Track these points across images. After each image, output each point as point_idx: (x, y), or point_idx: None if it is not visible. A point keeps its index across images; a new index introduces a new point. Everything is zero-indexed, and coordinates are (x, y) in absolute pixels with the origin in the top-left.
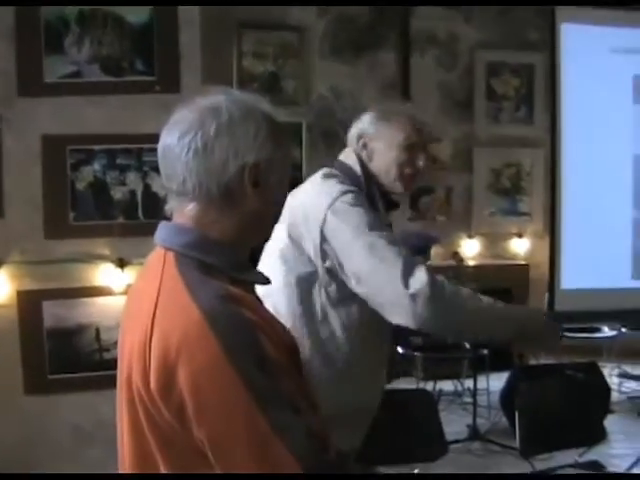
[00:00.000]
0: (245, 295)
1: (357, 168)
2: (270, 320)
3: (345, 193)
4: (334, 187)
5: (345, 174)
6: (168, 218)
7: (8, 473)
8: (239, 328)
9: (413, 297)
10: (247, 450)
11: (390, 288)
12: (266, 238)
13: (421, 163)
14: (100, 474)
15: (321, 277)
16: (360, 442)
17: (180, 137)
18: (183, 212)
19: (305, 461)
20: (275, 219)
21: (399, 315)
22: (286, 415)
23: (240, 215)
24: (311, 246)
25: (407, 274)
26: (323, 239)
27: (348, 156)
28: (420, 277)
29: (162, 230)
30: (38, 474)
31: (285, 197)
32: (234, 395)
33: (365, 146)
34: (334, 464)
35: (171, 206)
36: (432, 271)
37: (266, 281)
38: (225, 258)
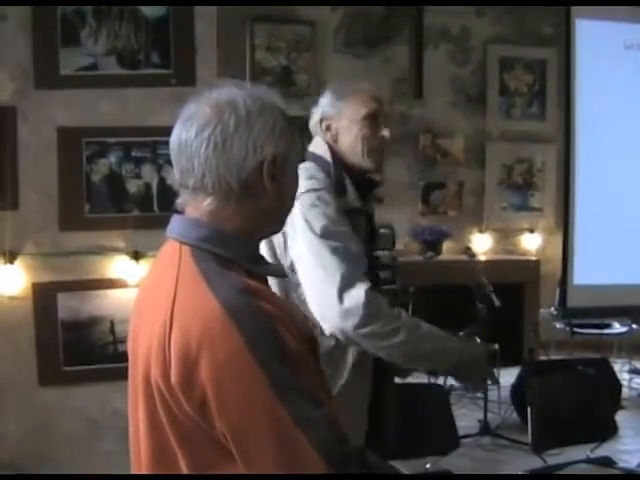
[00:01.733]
0: (262, 287)
1: (327, 155)
2: (289, 312)
3: (305, 192)
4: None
5: (317, 164)
6: (179, 211)
7: (8, 474)
8: (260, 321)
9: (344, 313)
10: (269, 442)
11: (324, 298)
12: (276, 231)
13: (385, 134)
14: (100, 474)
15: (291, 278)
16: None
17: (198, 132)
18: (199, 206)
19: (327, 453)
20: (288, 213)
21: (329, 327)
22: (308, 407)
23: (258, 209)
24: (277, 246)
25: (344, 288)
26: (285, 241)
27: (317, 145)
28: (357, 295)
29: (176, 223)
30: (38, 474)
31: (297, 190)
32: (257, 388)
33: (329, 128)
34: (355, 456)
35: (183, 200)
36: (373, 292)
37: (282, 274)
38: (241, 251)
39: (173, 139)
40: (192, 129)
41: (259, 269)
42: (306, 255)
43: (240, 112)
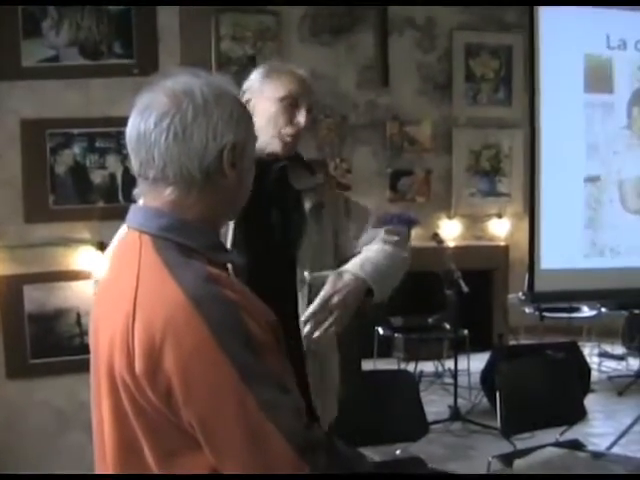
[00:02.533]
0: (225, 275)
1: None
2: (252, 299)
3: None
4: None
5: None
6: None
7: (8, 474)
8: (224, 309)
9: None
10: (237, 430)
11: None
12: (231, 218)
13: (301, 120)
14: (100, 475)
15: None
16: None
17: (157, 122)
18: (159, 196)
19: (294, 439)
20: (244, 200)
21: None
22: (274, 394)
23: (219, 197)
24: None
25: None
26: None
27: None
28: None
29: (136, 213)
30: (38, 474)
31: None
32: (223, 376)
33: (247, 102)
34: (322, 442)
35: (142, 190)
36: None
37: (240, 261)
38: (203, 240)
39: (130, 130)
40: (150, 119)
41: (220, 257)
42: None
43: (197, 101)
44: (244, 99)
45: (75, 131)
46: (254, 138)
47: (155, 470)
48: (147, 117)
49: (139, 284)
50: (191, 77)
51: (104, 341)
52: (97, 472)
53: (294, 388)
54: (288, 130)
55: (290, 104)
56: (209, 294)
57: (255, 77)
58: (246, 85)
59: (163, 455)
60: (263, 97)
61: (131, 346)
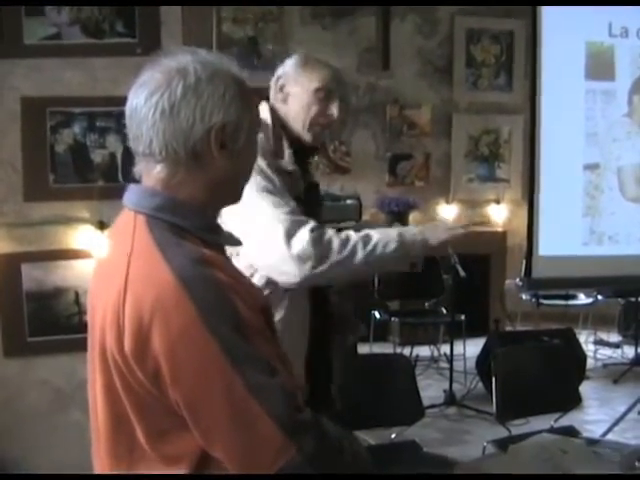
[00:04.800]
0: (217, 257)
1: (267, 117)
2: (243, 281)
3: None
4: None
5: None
6: (138, 180)
7: (8, 474)
8: (213, 291)
9: (297, 260)
10: (223, 411)
11: (273, 249)
12: (235, 201)
13: (334, 112)
14: (100, 475)
15: None
16: None
17: (147, 98)
18: (151, 174)
19: (282, 421)
20: (245, 184)
21: (286, 276)
22: (262, 376)
23: (209, 178)
24: None
25: (290, 235)
26: None
27: (261, 110)
28: (302, 237)
29: (131, 193)
30: (38, 474)
31: (254, 163)
32: (210, 357)
33: (282, 88)
34: (310, 424)
35: (140, 168)
36: (320, 228)
37: (237, 242)
38: (196, 221)
39: (127, 105)
40: (142, 95)
41: (214, 238)
42: (248, 214)
43: (189, 79)
44: (277, 85)
45: (76, 110)
46: (252, 120)
47: (146, 449)
48: (140, 93)
49: (131, 263)
50: (188, 55)
51: (98, 318)
52: (93, 450)
53: (283, 370)
54: (320, 121)
55: (324, 97)
56: (199, 275)
57: (291, 63)
58: (281, 71)
59: (153, 434)
60: (299, 85)
61: (121, 324)
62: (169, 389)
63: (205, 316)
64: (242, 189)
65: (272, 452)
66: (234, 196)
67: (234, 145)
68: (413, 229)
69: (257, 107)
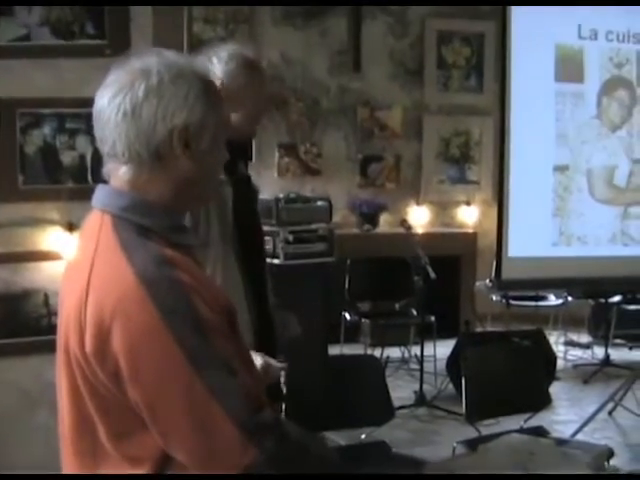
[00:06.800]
0: (181, 258)
1: None
2: (206, 282)
3: None
4: None
5: None
6: (107, 181)
7: (9, 474)
8: (174, 291)
9: None
10: (183, 411)
11: None
12: (204, 203)
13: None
14: (101, 474)
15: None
16: None
17: (110, 99)
18: (117, 175)
19: (241, 422)
20: (213, 185)
21: None
22: (222, 376)
23: (174, 178)
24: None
25: None
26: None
27: None
28: None
29: (99, 193)
30: (39, 474)
31: (222, 162)
32: (170, 357)
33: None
34: (271, 425)
35: (107, 169)
36: None
37: (202, 243)
38: (161, 221)
39: (94, 107)
40: (106, 97)
41: (179, 238)
42: None
43: (151, 80)
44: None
45: (45, 111)
46: (218, 121)
47: (109, 449)
48: (104, 94)
49: (94, 263)
50: (154, 56)
51: (63, 319)
52: (62, 451)
53: (244, 371)
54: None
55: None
56: (160, 276)
57: (216, 63)
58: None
59: (115, 434)
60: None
61: (83, 324)
62: (128, 389)
63: (166, 316)
64: (209, 190)
65: (232, 453)
66: (201, 197)
67: (198, 146)
68: None
69: (224, 108)
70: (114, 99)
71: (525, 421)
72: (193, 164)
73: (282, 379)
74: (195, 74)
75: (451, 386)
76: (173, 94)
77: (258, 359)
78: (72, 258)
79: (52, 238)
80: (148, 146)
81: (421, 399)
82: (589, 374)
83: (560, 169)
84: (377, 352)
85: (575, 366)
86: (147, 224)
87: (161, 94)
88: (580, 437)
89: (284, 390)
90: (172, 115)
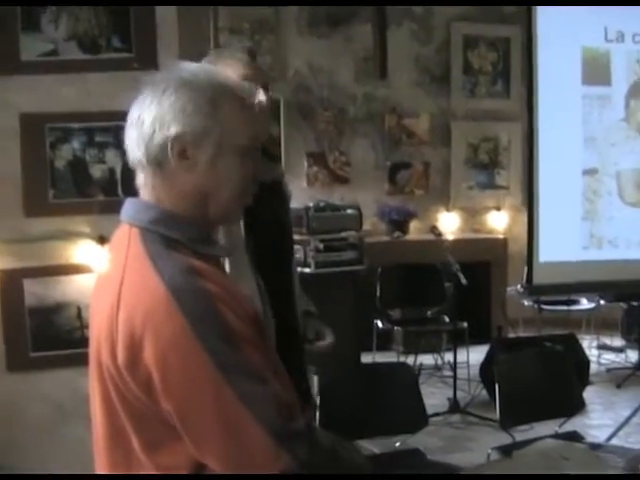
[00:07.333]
0: (208, 268)
1: None
2: (234, 292)
3: None
4: None
5: None
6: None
7: (9, 474)
8: (203, 301)
9: None
10: (214, 421)
11: None
12: (230, 217)
13: (262, 98)
14: (101, 475)
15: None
16: None
17: (130, 111)
18: (139, 184)
19: (273, 429)
20: (234, 198)
21: None
22: (252, 385)
23: (181, 189)
24: None
25: None
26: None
27: None
28: None
29: (127, 207)
30: (39, 474)
31: (247, 177)
32: (200, 367)
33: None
34: (302, 433)
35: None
36: None
37: (228, 254)
38: (188, 233)
39: None
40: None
41: (206, 249)
42: None
43: (157, 89)
44: None
45: (74, 125)
46: (226, 132)
47: (142, 459)
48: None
49: (124, 276)
50: (169, 67)
51: (95, 331)
52: (95, 463)
53: (274, 379)
54: None
55: None
56: (188, 286)
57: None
58: None
59: (148, 445)
60: None
61: (115, 336)
62: (161, 399)
63: (194, 326)
64: (230, 204)
65: (264, 461)
66: (222, 210)
67: (198, 157)
68: None
69: (249, 120)
70: (132, 110)
71: (559, 426)
72: (193, 176)
73: (315, 388)
74: (205, 84)
75: (484, 392)
76: (171, 103)
77: None
78: (102, 271)
79: (83, 251)
80: (147, 154)
81: (455, 406)
82: (623, 378)
83: (589, 172)
84: (410, 359)
85: (608, 370)
86: (174, 236)
87: (161, 103)
88: (614, 441)
89: (317, 398)
90: (169, 124)
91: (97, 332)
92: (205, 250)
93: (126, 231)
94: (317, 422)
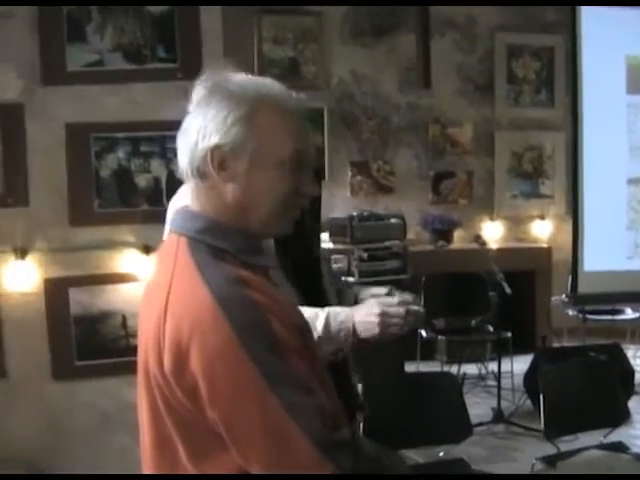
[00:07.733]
0: (255, 278)
1: None
2: (280, 302)
3: None
4: None
5: None
6: None
7: (10, 474)
8: (249, 311)
9: None
10: (259, 430)
11: None
12: (273, 230)
13: None
14: (102, 475)
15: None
16: None
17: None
18: (189, 194)
19: (318, 439)
20: (275, 211)
21: None
22: (298, 395)
23: (222, 200)
24: None
25: None
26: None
27: None
28: None
29: (176, 216)
30: (39, 474)
31: (290, 192)
32: (246, 377)
33: None
34: (347, 442)
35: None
36: None
37: (274, 264)
38: (235, 243)
39: None
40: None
41: (253, 259)
42: None
43: (201, 100)
44: None
45: (119, 135)
46: (257, 143)
47: (188, 468)
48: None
49: (172, 284)
50: (216, 77)
51: (142, 339)
52: (142, 471)
53: (320, 389)
54: None
55: None
56: (235, 295)
57: None
58: None
59: (195, 453)
60: None
61: (162, 344)
62: (206, 407)
63: (241, 336)
64: (271, 217)
65: (308, 470)
66: (263, 225)
67: (235, 168)
68: (342, 314)
69: (285, 134)
70: (182, 122)
71: (604, 437)
72: (233, 186)
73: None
74: (246, 96)
75: (529, 402)
76: (214, 114)
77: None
78: (150, 280)
79: (128, 260)
80: (192, 164)
81: (499, 415)
82: None
83: (634, 182)
84: (453, 369)
85: None
86: (221, 246)
87: (204, 113)
88: None
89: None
90: (210, 135)
91: (145, 340)
92: (253, 260)
93: (174, 240)
94: (362, 431)
